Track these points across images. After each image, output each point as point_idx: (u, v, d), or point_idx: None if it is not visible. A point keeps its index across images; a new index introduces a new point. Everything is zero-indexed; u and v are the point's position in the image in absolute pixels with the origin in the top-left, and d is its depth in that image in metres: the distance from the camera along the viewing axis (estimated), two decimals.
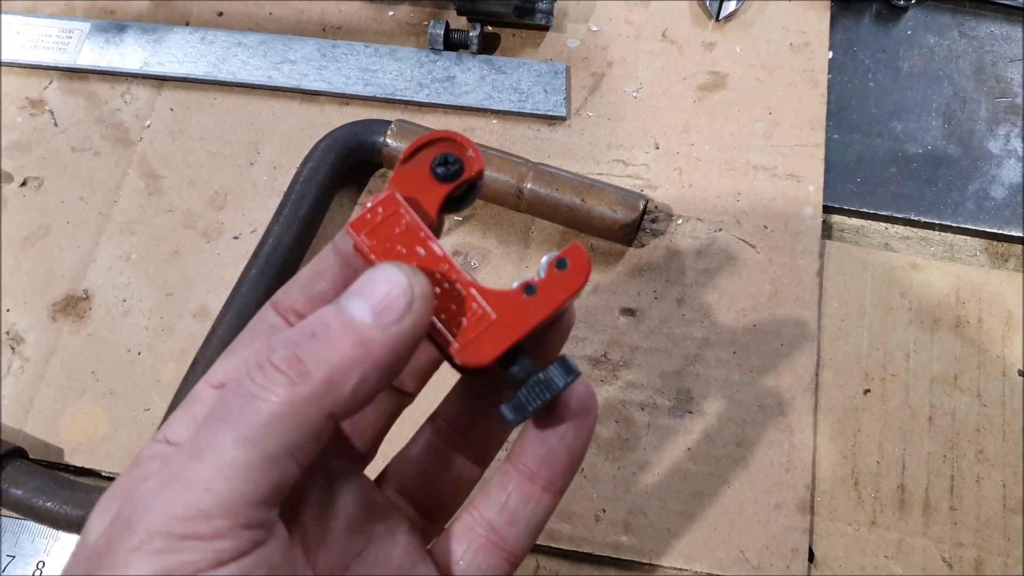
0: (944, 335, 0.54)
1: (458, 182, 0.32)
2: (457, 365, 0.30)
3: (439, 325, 0.30)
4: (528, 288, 0.31)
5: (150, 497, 0.25)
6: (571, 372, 0.30)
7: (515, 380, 0.31)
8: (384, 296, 0.28)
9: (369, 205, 0.30)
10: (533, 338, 0.32)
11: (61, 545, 0.50)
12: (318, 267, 0.32)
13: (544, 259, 0.31)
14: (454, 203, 0.33)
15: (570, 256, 0.31)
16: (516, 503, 0.33)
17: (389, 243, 0.30)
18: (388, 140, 0.56)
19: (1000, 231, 0.57)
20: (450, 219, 0.58)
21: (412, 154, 0.32)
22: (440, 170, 0.31)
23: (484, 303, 0.30)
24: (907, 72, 0.62)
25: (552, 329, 0.34)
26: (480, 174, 0.32)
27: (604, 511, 0.50)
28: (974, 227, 0.57)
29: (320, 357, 0.27)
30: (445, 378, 0.35)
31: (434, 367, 0.35)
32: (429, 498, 0.35)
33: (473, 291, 0.30)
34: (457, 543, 0.33)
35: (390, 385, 0.31)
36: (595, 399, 0.32)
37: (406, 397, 0.35)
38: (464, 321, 0.30)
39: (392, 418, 0.35)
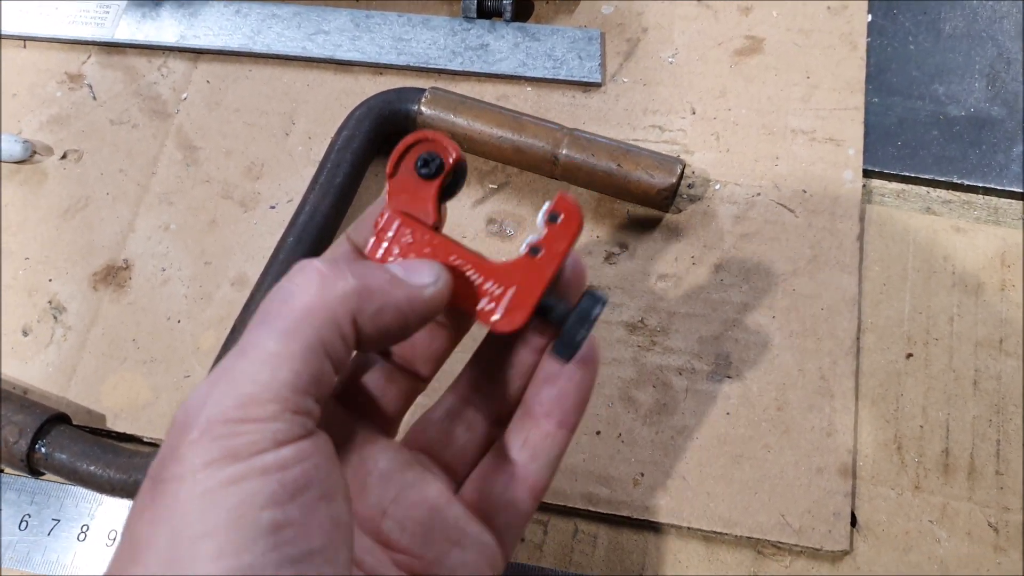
0: (989, 298, 0.53)
1: (444, 174, 0.35)
2: (498, 333, 0.34)
3: (468, 306, 0.34)
4: (533, 250, 0.34)
5: (203, 396, 0.27)
6: (599, 300, 0.34)
7: (557, 323, 0.35)
8: (417, 267, 0.33)
9: (376, 227, 0.35)
10: (558, 287, 0.36)
11: (105, 509, 0.51)
12: (335, 253, 0.36)
13: (539, 216, 0.35)
14: (448, 191, 0.36)
15: (560, 207, 0.34)
16: (536, 440, 0.36)
17: (404, 255, 0.35)
18: (423, 108, 0.56)
19: None
20: (485, 187, 0.58)
21: (396, 166, 0.35)
22: (424, 170, 0.35)
23: (500, 276, 0.34)
24: (949, 34, 0.61)
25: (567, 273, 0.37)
26: (459, 160, 0.35)
27: (642, 475, 0.49)
28: (1019, 190, 0.56)
29: (359, 271, 0.31)
30: (460, 362, 0.39)
31: (447, 353, 0.38)
32: (452, 457, 0.37)
33: (488, 268, 0.34)
34: (484, 482, 0.36)
35: (400, 347, 0.37)
36: (596, 345, 0.36)
37: (421, 382, 0.38)
38: (487, 297, 0.34)
39: (409, 400, 0.38)
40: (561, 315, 0.35)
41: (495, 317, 0.34)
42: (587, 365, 0.36)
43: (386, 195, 0.35)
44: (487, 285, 0.34)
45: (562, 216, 0.34)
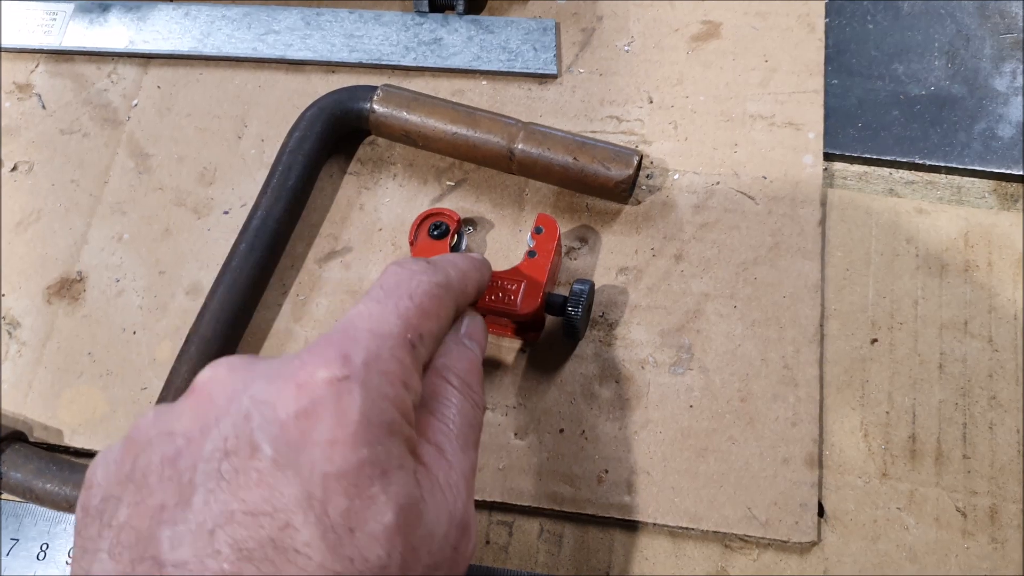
0: (953, 280, 0.53)
1: (451, 235, 0.52)
2: (521, 316, 0.47)
3: (498, 304, 0.47)
4: (531, 253, 0.49)
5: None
6: (585, 283, 0.49)
7: (558, 310, 0.49)
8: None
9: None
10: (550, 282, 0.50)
11: (64, 528, 0.50)
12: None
13: (528, 236, 0.51)
14: (455, 248, 0.53)
15: (542, 223, 0.50)
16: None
17: None
18: (375, 106, 0.55)
19: (1008, 171, 0.55)
20: (443, 184, 0.57)
21: (415, 233, 0.52)
22: (435, 232, 0.52)
23: (513, 277, 0.48)
24: (907, 12, 0.60)
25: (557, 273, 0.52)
26: (459, 223, 0.53)
27: (607, 472, 0.49)
28: (981, 168, 0.56)
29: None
30: None
31: None
32: None
33: (505, 274, 0.48)
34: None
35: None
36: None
37: None
38: (509, 294, 0.47)
39: None
40: (559, 301, 0.49)
41: (517, 305, 0.47)
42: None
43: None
44: (504, 284, 0.48)
45: (544, 229, 0.49)
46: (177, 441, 0.30)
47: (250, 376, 0.31)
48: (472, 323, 0.41)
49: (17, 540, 0.50)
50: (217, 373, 0.32)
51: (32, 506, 0.50)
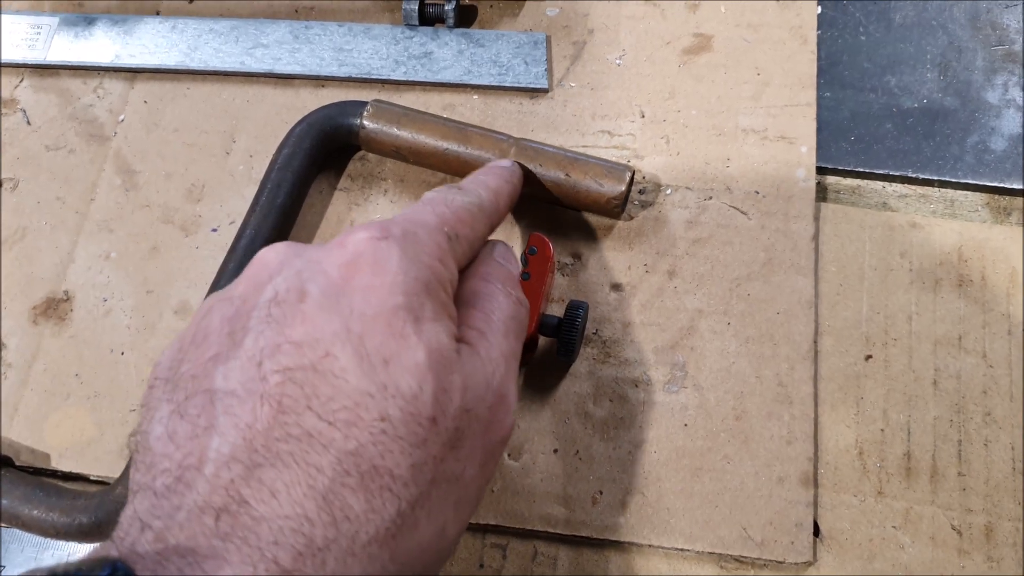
0: (947, 295, 0.53)
1: None
2: None
3: None
4: (524, 275, 0.46)
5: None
6: (580, 306, 0.48)
7: (552, 332, 0.47)
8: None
9: None
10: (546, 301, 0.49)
11: (51, 553, 0.49)
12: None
13: (519, 254, 0.48)
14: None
15: (535, 243, 0.48)
16: None
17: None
18: (365, 122, 0.55)
19: (1002, 184, 0.55)
20: None
21: None
22: None
23: None
24: (900, 23, 0.60)
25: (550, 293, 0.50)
26: None
27: (601, 493, 0.48)
28: (975, 181, 0.55)
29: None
30: None
31: None
32: None
33: None
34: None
35: None
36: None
37: None
38: None
39: None
40: (554, 323, 0.47)
41: None
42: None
43: None
44: None
45: (538, 249, 0.48)
46: (235, 302, 0.33)
47: (303, 248, 0.35)
48: (505, 250, 0.43)
49: (4, 567, 0.49)
50: (273, 247, 0.35)
51: (18, 532, 0.49)
